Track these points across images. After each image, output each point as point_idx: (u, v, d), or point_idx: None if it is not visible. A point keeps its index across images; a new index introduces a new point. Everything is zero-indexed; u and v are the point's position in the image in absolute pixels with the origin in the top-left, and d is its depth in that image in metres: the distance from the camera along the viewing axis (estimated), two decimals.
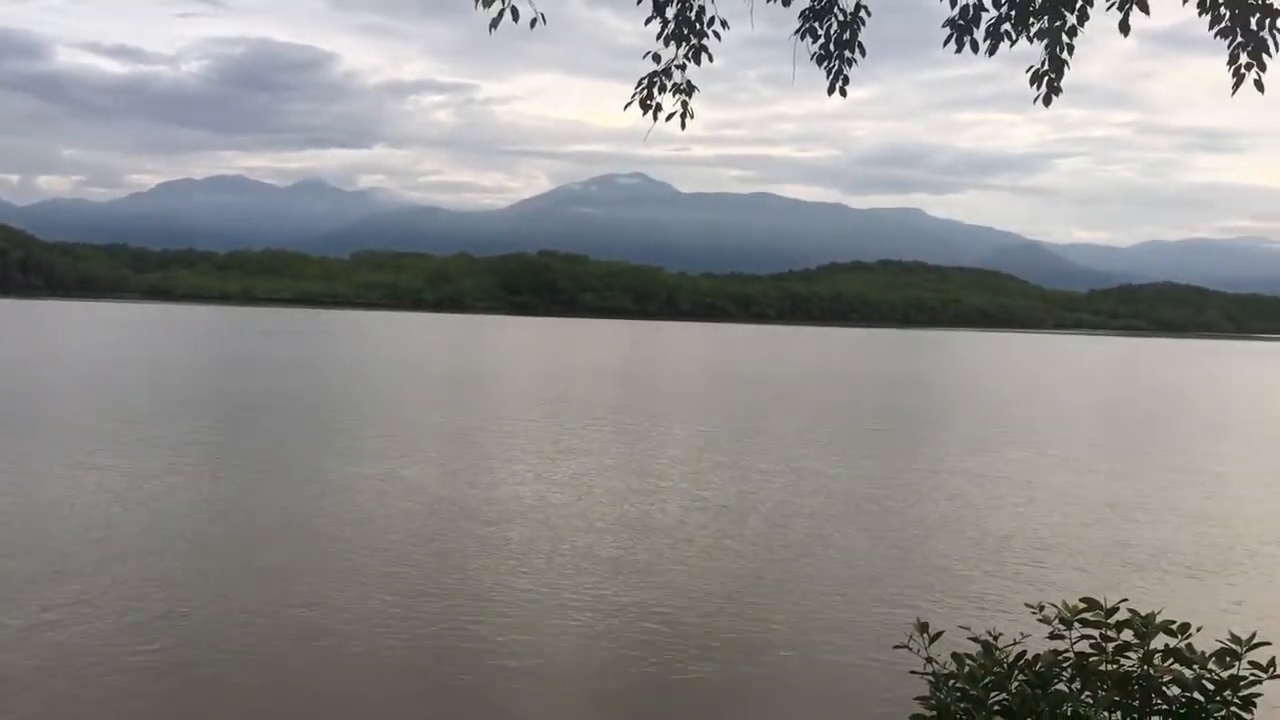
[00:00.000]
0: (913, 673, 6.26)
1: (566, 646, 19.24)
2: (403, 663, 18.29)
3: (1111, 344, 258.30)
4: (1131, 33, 7.15)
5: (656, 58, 7.30)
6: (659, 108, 7.34)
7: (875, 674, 17.06)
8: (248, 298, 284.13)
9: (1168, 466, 47.20)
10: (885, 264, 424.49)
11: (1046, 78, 7.16)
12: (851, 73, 7.55)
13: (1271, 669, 5.81)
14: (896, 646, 6.46)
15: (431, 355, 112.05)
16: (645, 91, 7.33)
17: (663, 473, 39.09)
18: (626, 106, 7.38)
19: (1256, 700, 5.76)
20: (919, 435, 56.03)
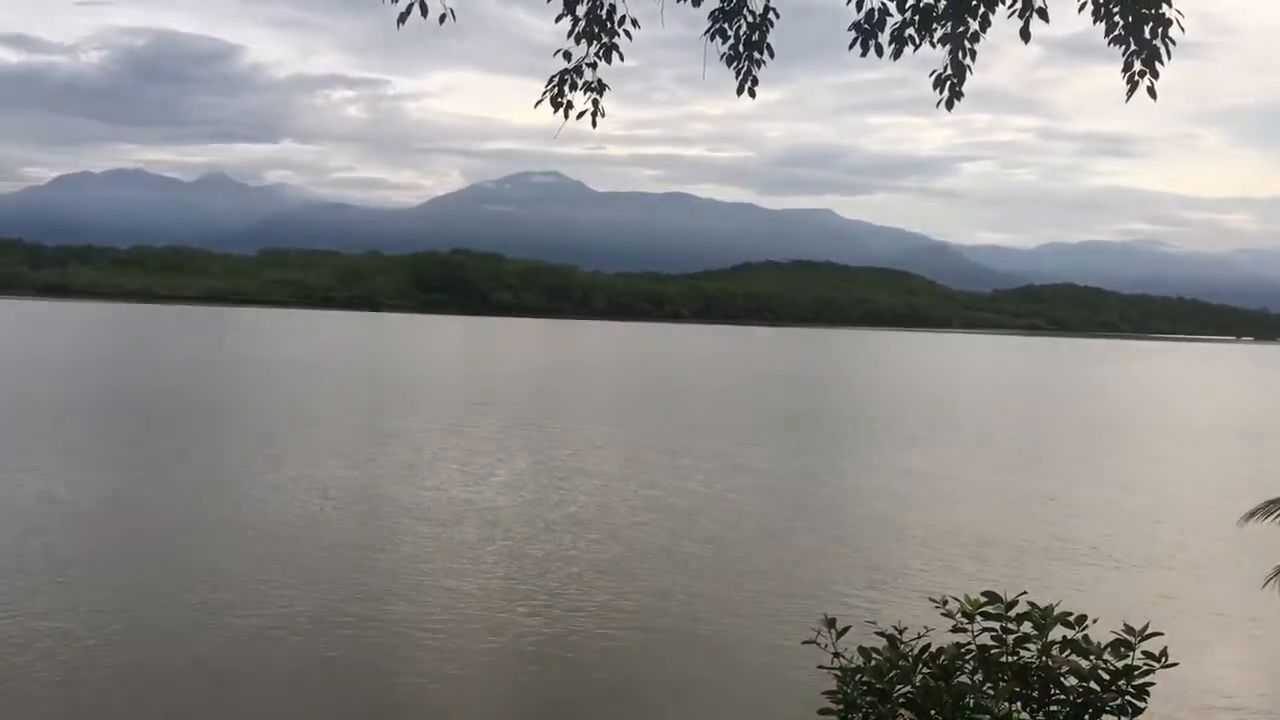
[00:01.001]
0: (820, 667, 6.32)
1: (497, 646, 19.07)
2: (318, 658, 17.96)
3: (1016, 343, 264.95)
4: (1036, 40, 7.32)
5: (568, 56, 7.26)
6: (570, 106, 7.29)
7: (791, 669, 17.22)
8: (149, 295, 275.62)
9: (1085, 461, 48.52)
10: (798, 264, 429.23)
11: (949, 82, 7.27)
12: (763, 74, 7.60)
13: (1164, 658, 5.99)
14: (805, 642, 6.50)
15: (350, 355, 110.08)
16: (556, 89, 7.28)
17: (606, 473, 38.89)
18: (537, 104, 7.33)
19: (1149, 689, 5.94)
20: (847, 434, 56.68)
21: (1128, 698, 5.93)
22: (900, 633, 6.26)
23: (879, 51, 7.19)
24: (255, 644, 18.31)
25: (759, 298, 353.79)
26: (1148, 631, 6.00)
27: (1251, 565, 19.87)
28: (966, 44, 7.13)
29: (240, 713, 15.64)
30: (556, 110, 7.27)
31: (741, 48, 7.42)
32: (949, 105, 7.35)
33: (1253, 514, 14.22)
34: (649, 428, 53.46)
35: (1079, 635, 6.03)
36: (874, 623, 6.55)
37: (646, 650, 19.19)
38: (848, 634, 6.31)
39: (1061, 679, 5.98)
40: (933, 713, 5.94)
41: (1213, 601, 24.28)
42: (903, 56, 7.22)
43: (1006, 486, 39.41)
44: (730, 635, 20.17)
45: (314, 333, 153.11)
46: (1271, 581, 14.16)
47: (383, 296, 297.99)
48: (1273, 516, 13.91)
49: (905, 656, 6.13)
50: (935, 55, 7.26)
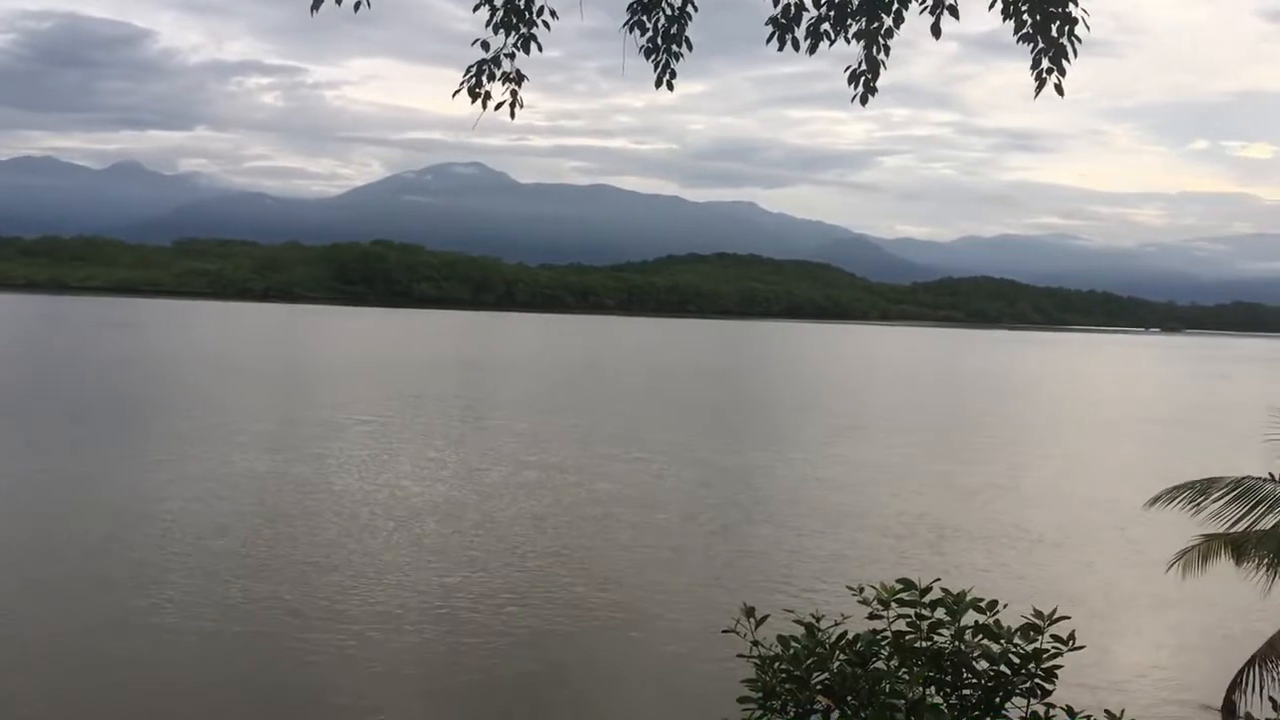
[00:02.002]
0: (739, 656, 6.37)
1: (424, 637, 18.93)
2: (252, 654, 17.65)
3: (935, 334, 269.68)
4: (951, 36, 7.43)
5: (485, 45, 7.18)
6: (488, 96, 7.22)
7: (715, 658, 17.36)
8: (59, 286, 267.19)
9: (1001, 450, 49.57)
10: (721, 256, 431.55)
11: (864, 77, 7.36)
12: (684, 67, 7.61)
13: (1071, 642, 6.15)
14: (725, 631, 6.54)
15: (273, 347, 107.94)
16: (474, 80, 7.20)
17: (554, 465, 38.72)
18: (455, 94, 7.24)
19: (1058, 672, 6.10)
20: (783, 424, 57.23)
21: (1037, 680, 6.08)
22: (818, 620, 6.34)
23: (795, 46, 7.24)
24: (186, 635, 17.95)
25: (683, 290, 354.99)
26: (1056, 616, 6.15)
27: (1156, 550, 20.46)
28: (881, 40, 7.22)
29: (178, 704, 15.38)
30: (475, 101, 7.19)
31: (660, 40, 7.42)
32: (863, 100, 7.44)
33: (1157, 499, 14.64)
34: (591, 420, 53.45)
35: (990, 620, 6.16)
36: (792, 611, 6.62)
37: (578, 640, 19.24)
38: (767, 622, 6.37)
39: (973, 663, 6.11)
40: (849, 698, 6.03)
41: (1119, 585, 25.04)
42: (822, 51, 7.29)
43: (928, 474, 40.15)
44: (661, 625, 20.30)
45: (233, 324, 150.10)
46: (1174, 565, 14.62)
47: (301, 288, 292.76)
48: (1176, 501, 14.34)
49: (823, 644, 6.21)
50: (853, 50, 7.34)
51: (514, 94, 7.29)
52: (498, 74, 7.22)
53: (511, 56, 7.22)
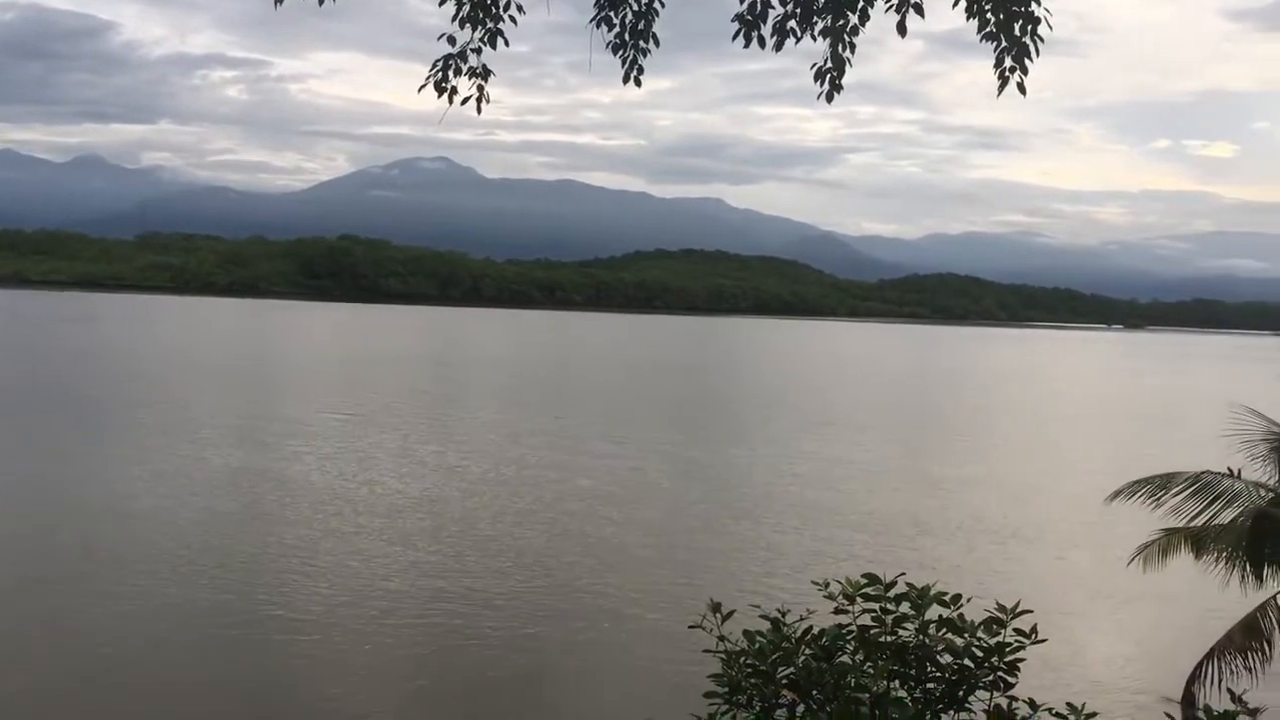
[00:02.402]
0: (706, 651, 6.40)
1: (409, 637, 18.87)
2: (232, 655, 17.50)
3: (902, 331, 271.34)
4: (918, 35, 7.47)
5: (452, 40, 7.15)
6: (454, 91, 7.18)
7: (684, 655, 17.41)
8: (20, 280, 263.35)
9: (968, 444, 50.00)
10: (688, 252, 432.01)
11: (829, 75, 7.39)
12: (652, 63, 7.60)
13: (1034, 635, 6.22)
14: (691, 626, 6.56)
15: (240, 343, 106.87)
16: (440, 74, 7.17)
17: (531, 462, 38.59)
18: (421, 89, 7.20)
19: (1020, 665, 6.17)
20: (754, 420, 57.36)
21: (999, 674, 6.14)
22: (784, 615, 6.37)
23: (761, 43, 7.26)
24: (162, 639, 17.78)
25: (650, 286, 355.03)
26: (1019, 609, 6.22)
27: (1120, 544, 20.70)
28: (846, 37, 7.26)
29: (144, 701, 15.24)
30: (441, 95, 7.16)
31: (627, 36, 7.41)
32: (829, 98, 7.47)
33: (1117, 494, 14.82)
34: (564, 417, 53.39)
35: (954, 614, 6.21)
36: (758, 606, 6.65)
37: (548, 638, 19.25)
38: (735, 618, 6.40)
39: (937, 657, 6.16)
40: (815, 693, 6.07)
41: (1082, 579, 25.34)
42: (788, 49, 7.32)
43: (898, 470, 40.43)
44: (635, 622, 20.35)
45: (198, 319, 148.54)
46: (1135, 559, 14.81)
47: (266, 283, 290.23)
48: (1136, 496, 14.53)
49: (788, 638, 6.24)
50: (820, 48, 7.36)
51: (480, 89, 7.26)
52: (464, 69, 7.18)
53: (478, 51, 7.19)
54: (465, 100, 7.27)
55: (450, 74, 7.19)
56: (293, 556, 23.58)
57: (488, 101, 7.30)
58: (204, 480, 31.74)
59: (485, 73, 7.24)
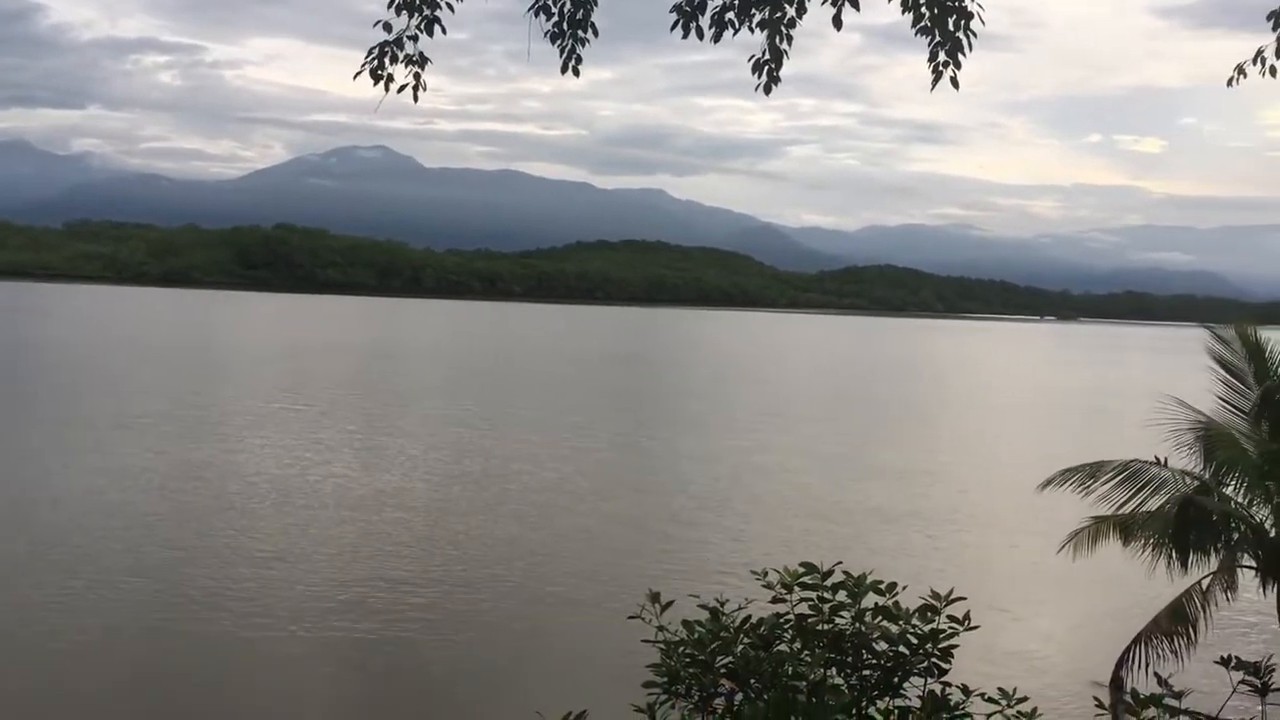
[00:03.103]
0: (645, 641, 6.42)
1: (358, 627, 18.67)
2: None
3: (841, 322, 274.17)
4: (857, 28, 7.54)
5: (388, 27, 7.06)
6: (390, 79, 7.10)
7: (622, 643, 17.47)
8: None
9: (907, 434, 50.62)
10: (630, 244, 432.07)
11: (767, 67, 7.43)
12: (594, 53, 7.58)
13: (966, 621, 6.32)
14: (630, 617, 6.58)
15: (183, 333, 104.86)
16: (376, 62, 7.07)
17: (481, 451, 38.31)
18: (356, 76, 7.10)
19: (954, 651, 6.27)
20: (700, 411, 57.47)
21: (934, 660, 6.23)
22: (722, 605, 6.41)
23: (699, 34, 7.27)
24: (117, 632, 17.45)
25: (591, 277, 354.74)
26: (952, 596, 6.32)
27: (1053, 532, 21.12)
28: (784, 29, 7.29)
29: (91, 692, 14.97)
30: (377, 83, 7.06)
31: (565, 25, 7.38)
32: (767, 90, 7.51)
33: (1049, 482, 15.11)
34: (509, 408, 53.23)
35: (890, 602, 6.30)
36: (697, 596, 6.68)
37: (490, 628, 19.19)
38: (675, 607, 6.43)
39: (873, 644, 6.23)
40: (752, 681, 6.12)
41: (1015, 566, 25.80)
42: (727, 40, 7.33)
43: (836, 459, 40.85)
44: (579, 613, 20.35)
45: (131, 310, 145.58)
46: (1065, 546, 15.11)
47: (200, 272, 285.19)
48: (1068, 484, 14.82)
49: (727, 628, 6.29)
50: (758, 39, 7.38)
51: (417, 76, 7.17)
52: (400, 56, 7.10)
53: (415, 39, 7.11)
54: (402, 88, 7.18)
55: (386, 61, 7.10)
56: (256, 550, 23.30)
57: (424, 90, 7.23)
58: (118, 471, 31.15)
59: (422, 60, 7.16)
